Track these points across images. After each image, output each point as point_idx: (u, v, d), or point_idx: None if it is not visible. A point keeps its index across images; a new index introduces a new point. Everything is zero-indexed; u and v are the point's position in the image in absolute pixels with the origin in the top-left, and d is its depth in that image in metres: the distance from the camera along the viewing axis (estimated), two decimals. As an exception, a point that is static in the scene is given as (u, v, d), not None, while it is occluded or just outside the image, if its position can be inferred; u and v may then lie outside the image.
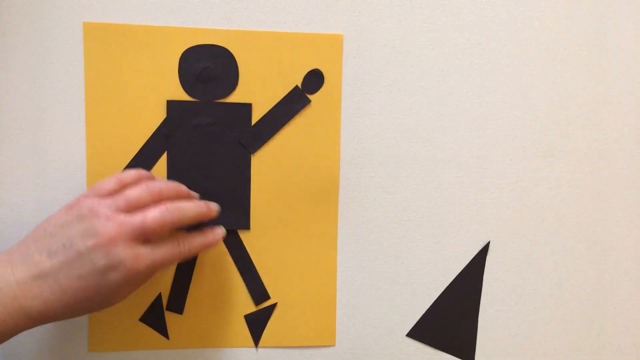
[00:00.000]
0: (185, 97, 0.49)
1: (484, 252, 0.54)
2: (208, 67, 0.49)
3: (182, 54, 0.49)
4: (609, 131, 0.55)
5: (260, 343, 0.52)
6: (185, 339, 0.51)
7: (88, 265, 0.40)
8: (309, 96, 0.51)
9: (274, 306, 0.52)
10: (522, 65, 0.53)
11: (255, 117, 0.50)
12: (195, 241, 0.45)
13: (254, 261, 0.51)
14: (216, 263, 0.51)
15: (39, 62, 0.48)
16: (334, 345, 0.53)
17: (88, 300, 0.41)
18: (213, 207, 0.47)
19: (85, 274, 0.40)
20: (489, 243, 0.54)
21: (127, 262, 0.40)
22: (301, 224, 0.52)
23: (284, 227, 0.51)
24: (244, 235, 0.51)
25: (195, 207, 0.45)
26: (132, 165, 0.49)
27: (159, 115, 0.49)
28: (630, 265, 0.56)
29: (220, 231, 0.47)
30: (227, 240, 0.51)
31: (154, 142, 0.49)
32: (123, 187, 0.44)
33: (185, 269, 0.51)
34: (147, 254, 0.41)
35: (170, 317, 0.51)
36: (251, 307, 0.52)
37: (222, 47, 0.50)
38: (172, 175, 0.50)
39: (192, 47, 0.49)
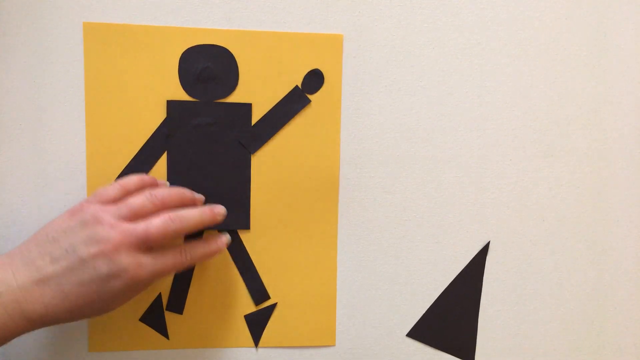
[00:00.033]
0: (185, 97, 0.49)
1: (484, 252, 0.54)
2: (208, 67, 0.49)
3: (182, 54, 0.49)
4: (609, 131, 0.55)
5: (260, 343, 0.52)
6: (185, 339, 0.51)
7: (91, 272, 0.40)
8: (309, 96, 0.51)
9: (274, 306, 0.52)
10: (522, 65, 0.53)
11: (255, 117, 0.50)
12: (198, 250, 0.45)
13: (254, 261, 0.51)
14: (216, 263, 0.51)
15: (39, 62, 0.48)
16: (334, 345, 0.53)
17: (88, 306, 0.41)
18: (218, 212, 0.46)
19: (88, 280, 0.40)
20: (489, 243, 0.54)
21: (130, 270, 0.40)
22: (301, 224, 0.52)
23: (284, 227, 0.51)
24: (244, 235, 0.51)
25: (199, 215, 0.44)
26: (132, 165, 0.49)
27: (159, 115, 0.49)
28: (630, 265, 0.56)
29: (224, 239, 0.47)
30: (227, 240, 0.51)
31: (154, 142, 0.49)
32: (126, 193, 0.44)
33: (185, 269, 0.51)
34: (149, 263, 0.42)
35: (170, 317, 0.51)
36: (251, 307, 0.52)
37: (222, 47, 0.50)
38: (172, 175, 0.50)
39: (192, 47, 0.49)
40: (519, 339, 0.55)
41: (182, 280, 0.51)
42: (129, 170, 0.49)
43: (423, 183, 0.53)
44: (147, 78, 0.49)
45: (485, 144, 0.53)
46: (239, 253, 0.51)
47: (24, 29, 0.48)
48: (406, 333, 0.54)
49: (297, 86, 0.51)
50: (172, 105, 0.49)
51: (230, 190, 0.50)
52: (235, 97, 0.50)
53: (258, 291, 0.52)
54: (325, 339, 0.53)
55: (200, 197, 0.48)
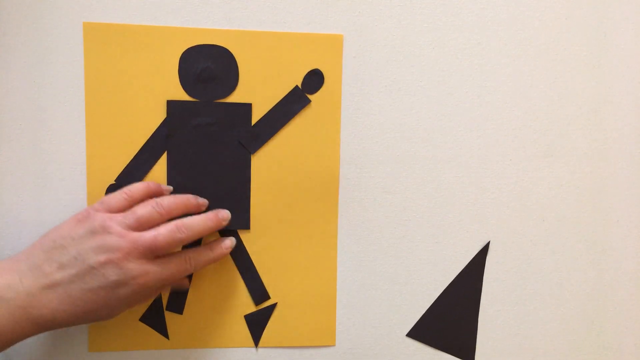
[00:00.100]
0: (185, 97, 0.49)
1: (484, 252, 0.54)
2: (208, 67, 0.49)
3: (182, 54, 0.49)
4: (609, 131, 0.55)
5: (260, 343, 0.52)
6: (185, 339, 0.51)
7: (100, 279, 0.41)
8: (309, 96, 0.51)
9: (274, 306, 0.52)
10: (522, 65, 0.53)
11: (255, 117, 0.50)
12: (203, 257, 0.47)
13: (254, 261, 0.51)
14: (216, 263, 0.51)
15: (39, 62, 0.48)
16: (334, 345, 0.53)
17: (95, 312, 0.42)
18: (223, 217, 0.48)
19: (96, 287, 0.41)
20: (489, 243, 0.54)
21: (138, 278, 0.42)
22: (301, 224, 0.52)
23: (284, 227, 0.51)
24: (244, 235, 0.51)
25: (204, 222, 0.46)
26: (132, 165, 0.49)
27: (159, 115, 0.49)
28: (630, 265, 0.56)
29: (228, 243, 0.49)
30: (227, 240, 0.51)
31: (154, 142, 0.49)
32: (132, 201, 0.45)
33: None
34: (156, 271, 0.43)
35: (170, 317, 0.51)
36: (251, 307, 0.52)
37: (222, 47, 0.50)
38: (172, 175, 0.50)
39: (192, 47, 0.49)
40: (519, 339, 0.55)
41: (182, 280, 0.51)
42: (129, 170, 0.49)
43: (423, 183, 0.53)
44: (147, 78, 0.49)
45: (485, 144, 0.53)
46: (239, 253, 0.51)
47: (24, 29, 0.48)
48: (406, 333, 0.54)
49: (297, 86, 0.51)
50: (172, 105, 0.49)
51: (230, 190, 0.50)
52: (235, 97, 0.50)
53: (258, 291, 0.52)
54: (325, 339, 0.53)
55: (204, 201, 0.49)
